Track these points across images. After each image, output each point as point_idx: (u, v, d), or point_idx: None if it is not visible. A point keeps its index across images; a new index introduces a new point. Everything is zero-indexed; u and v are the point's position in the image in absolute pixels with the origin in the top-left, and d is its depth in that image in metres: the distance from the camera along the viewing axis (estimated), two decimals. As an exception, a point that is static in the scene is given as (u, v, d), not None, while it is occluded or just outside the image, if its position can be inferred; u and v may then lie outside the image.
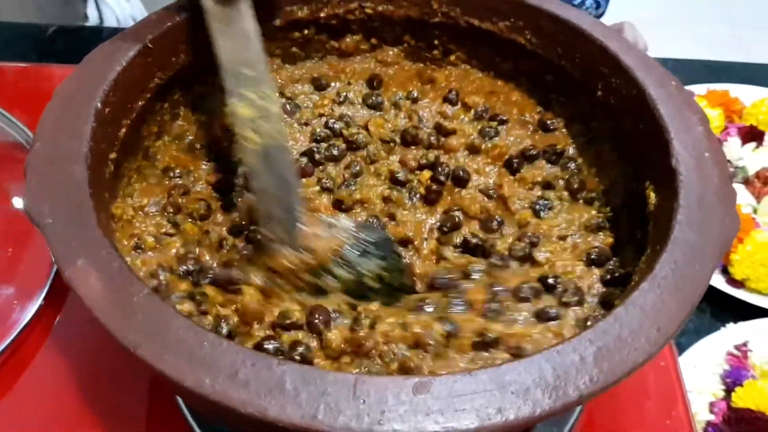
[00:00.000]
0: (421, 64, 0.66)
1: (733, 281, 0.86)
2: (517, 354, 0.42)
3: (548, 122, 0.60)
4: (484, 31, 0.60)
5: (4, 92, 0.79)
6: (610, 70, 0.54)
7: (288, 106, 0.62)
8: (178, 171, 0.56)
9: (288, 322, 0.44)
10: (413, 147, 0.61)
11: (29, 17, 1.13)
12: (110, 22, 1.21)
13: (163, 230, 0.52)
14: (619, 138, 0.54)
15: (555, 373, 0.35)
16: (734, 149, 0.99)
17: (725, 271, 0.86)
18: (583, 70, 0.56)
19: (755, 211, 0.94)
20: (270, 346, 0.42)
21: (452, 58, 0.64)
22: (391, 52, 0.65)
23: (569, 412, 0.52)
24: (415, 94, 0.64)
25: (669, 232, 0.42)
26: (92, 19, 1.21)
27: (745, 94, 1.06)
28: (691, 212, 0.43)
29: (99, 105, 0.46)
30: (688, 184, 0.45)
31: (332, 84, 0.65)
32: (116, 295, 0.36)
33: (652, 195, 0.48)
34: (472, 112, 0.62)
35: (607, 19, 1.17)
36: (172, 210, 0.53)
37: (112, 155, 0.48)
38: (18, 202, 0.67)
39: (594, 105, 0.56)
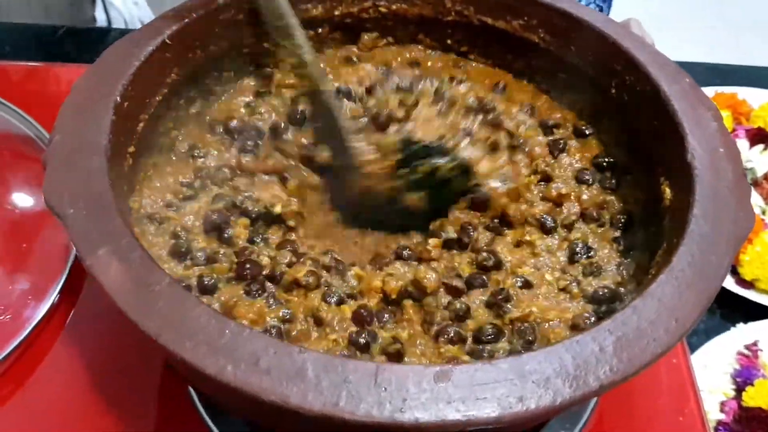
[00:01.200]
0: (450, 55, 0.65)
1: (742, 282, 0.86)
2: None
3: (583, 128, 0.59)
4: (498, 29, 0.60)
5: (14, 91, 0.79)
6: (624, 68, 0.54)
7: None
8: (202, 151, 0.56)
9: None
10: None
11: (37, 20, 1.13)
12: (118, 24, 1.22)
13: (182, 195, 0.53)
14: (634, 135, 0.54)
15: (575, 363, 0.35)
16: (742, 151, 0.99)
17: (735, 272, 0.86)
18: (596, 67, 0.56)
19: (764, 212, 0.94)
20: None
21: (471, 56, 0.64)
22: (417, 47, 0.65)
23: (583, 408, 0.52)
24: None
25: (685, 226, 0.42)
26: (100, 22, 1.21)
27: (752, 96, 1.06)
28: (707, 206, 0.43)
29: (118, 99, 0.46)
30: (703, 179, 0.45)
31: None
32: (137, 283, 0.37)
33: (668, 190, 0.48)
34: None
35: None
36: (198, 186, 0.53)
37: (131, 149, 0.48)
38: (30, 199, 0.67)
39: (608, 102, 0.56)
